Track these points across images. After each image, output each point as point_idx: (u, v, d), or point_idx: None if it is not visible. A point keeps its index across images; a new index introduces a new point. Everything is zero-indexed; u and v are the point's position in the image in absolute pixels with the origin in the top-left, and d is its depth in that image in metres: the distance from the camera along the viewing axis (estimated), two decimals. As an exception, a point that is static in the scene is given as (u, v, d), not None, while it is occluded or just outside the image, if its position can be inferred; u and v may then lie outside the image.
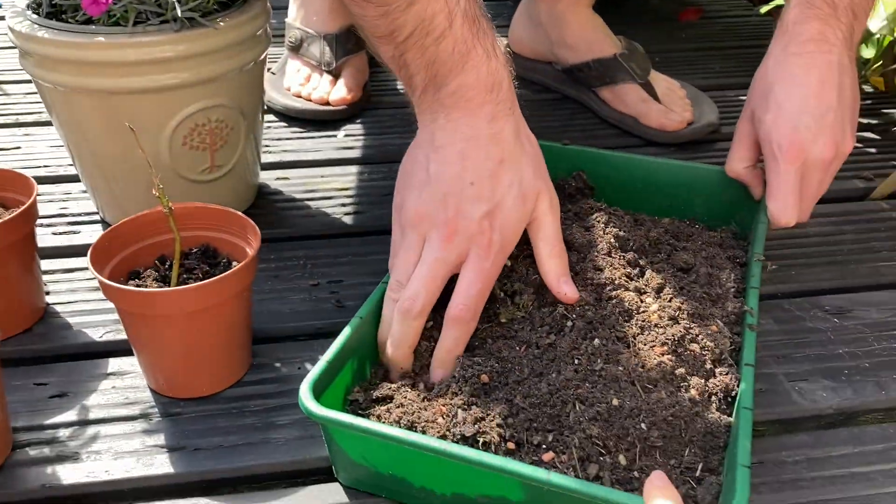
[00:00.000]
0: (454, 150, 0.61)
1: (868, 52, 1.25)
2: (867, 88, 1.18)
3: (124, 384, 0.67)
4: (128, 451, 0.61)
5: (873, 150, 1.02)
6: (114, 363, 0.69)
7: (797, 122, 0.70)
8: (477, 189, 0.60)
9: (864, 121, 1.08)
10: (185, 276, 0.65)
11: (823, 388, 0.66)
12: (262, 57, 0.83)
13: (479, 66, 0.60)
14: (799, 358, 0.69)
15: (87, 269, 0.79)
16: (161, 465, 0.59)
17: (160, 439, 0.62)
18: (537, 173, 0.63)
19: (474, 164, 0.60)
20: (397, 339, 0.61)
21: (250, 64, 0.80)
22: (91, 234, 0.85)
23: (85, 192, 0.88)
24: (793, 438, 0.62)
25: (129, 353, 0.69)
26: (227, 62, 0.77)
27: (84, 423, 0.63)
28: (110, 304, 0.74)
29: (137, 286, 0.63)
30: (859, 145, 1.03)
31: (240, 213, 0.67)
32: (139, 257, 0.67)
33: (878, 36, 1.16)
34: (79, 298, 0.76)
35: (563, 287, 0.63)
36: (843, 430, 0.63)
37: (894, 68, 1.17)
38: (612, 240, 0.68)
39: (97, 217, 0.88)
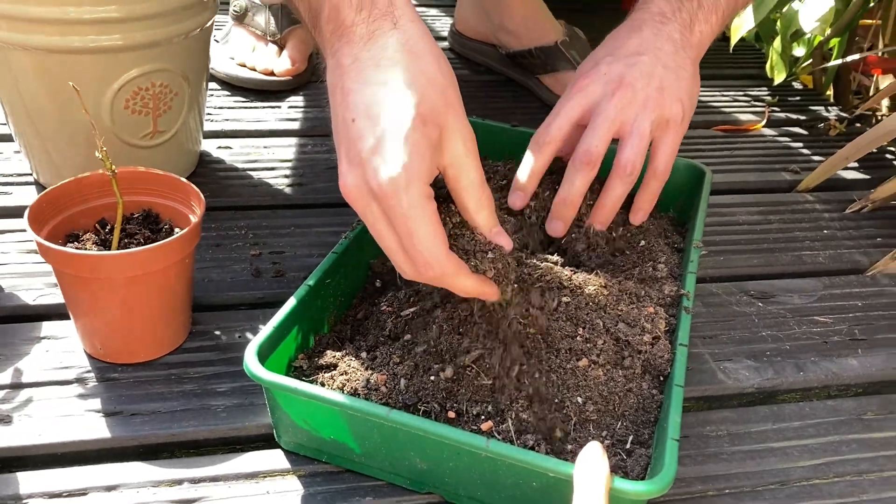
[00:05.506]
0: (338, 88, 0.55)
1: (799, 51, 1.30)
2: (797, 86, 1.23)
3: (59, 348, 0.65)
4: (62, 415, 0.60)
5: (800, 144, 1.06)
6: (47, 327, 0.67)
7: (597, 58, 0.70)
8: (358, 125, 0.53)
9: (794, 116, 1.13)
10: (126, 240, 0.64)
11: (746, 368, 0.69)
12: (209, 24, 0.81)
13: None
14: (724, 339, 0.72)
15: (17, 231, 0.78)
16: (97, 429, 0.59)
17: (96, 404, 0.61)
18: (445, 98, 0.53)
19: (355, 97, 0.53)
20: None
21: (196, 30, 0.79)
22: (23, 196, 0.83)
23: (18, 152, 0.86)
24: (716, 414, 0.65)
25: (63, 317, 0.68)
26: (173, 27, 0.76)
27: (17, 386, 0.62)
28: (43, 268, 0.73)
29: (77, 249, 0.62)
30: (786, 139, 1.07)
31: (184, 179, 0.66)
32: (78, 220, 0.66)
33: (809, 36, 1.21)
34: (10, 261, 0.74)
35: (498, 239, 0.57)
36: (762, 407, 0.66)
37: (822, 68, 1.22)
38: None
39: (31, 178, 0.85)
